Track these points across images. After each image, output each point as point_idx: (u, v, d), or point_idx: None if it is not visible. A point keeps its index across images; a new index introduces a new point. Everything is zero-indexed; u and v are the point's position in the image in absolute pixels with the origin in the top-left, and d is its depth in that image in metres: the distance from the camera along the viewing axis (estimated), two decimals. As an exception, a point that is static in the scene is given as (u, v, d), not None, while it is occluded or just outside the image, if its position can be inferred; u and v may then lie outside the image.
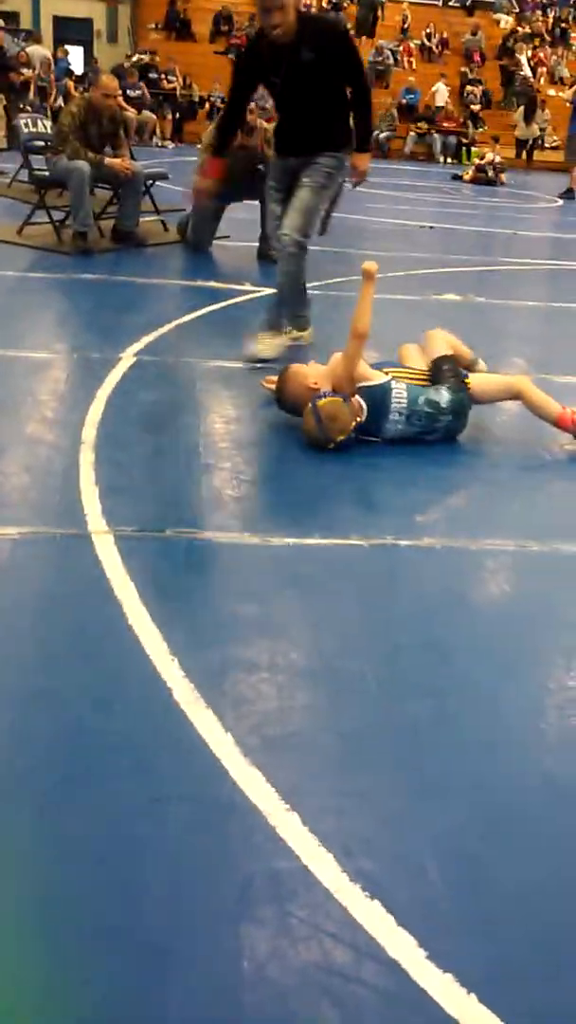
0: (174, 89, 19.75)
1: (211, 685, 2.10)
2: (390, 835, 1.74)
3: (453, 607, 2.59)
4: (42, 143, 7.96)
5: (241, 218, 7.45)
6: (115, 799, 1.77)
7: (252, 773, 1.84)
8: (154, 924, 1.52)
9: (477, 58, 23.14)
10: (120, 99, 8.18)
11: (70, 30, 24.20)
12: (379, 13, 23.39)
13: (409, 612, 2.53)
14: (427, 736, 2.02)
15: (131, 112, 15.76)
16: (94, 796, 1.77)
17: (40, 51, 16.45)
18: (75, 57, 20.92)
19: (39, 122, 8.40)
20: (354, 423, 3.45)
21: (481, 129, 20.89)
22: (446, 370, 3.67)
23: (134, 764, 1.86)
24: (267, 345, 4.48)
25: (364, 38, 22.50)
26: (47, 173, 7.19)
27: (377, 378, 3.55)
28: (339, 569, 2.72)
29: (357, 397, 3.50)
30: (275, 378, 3.76)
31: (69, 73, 19.13)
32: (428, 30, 23.52)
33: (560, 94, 21.91)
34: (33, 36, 18.98)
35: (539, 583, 2.76)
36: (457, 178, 17.55)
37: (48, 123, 8.40)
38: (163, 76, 19.84)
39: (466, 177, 17.36)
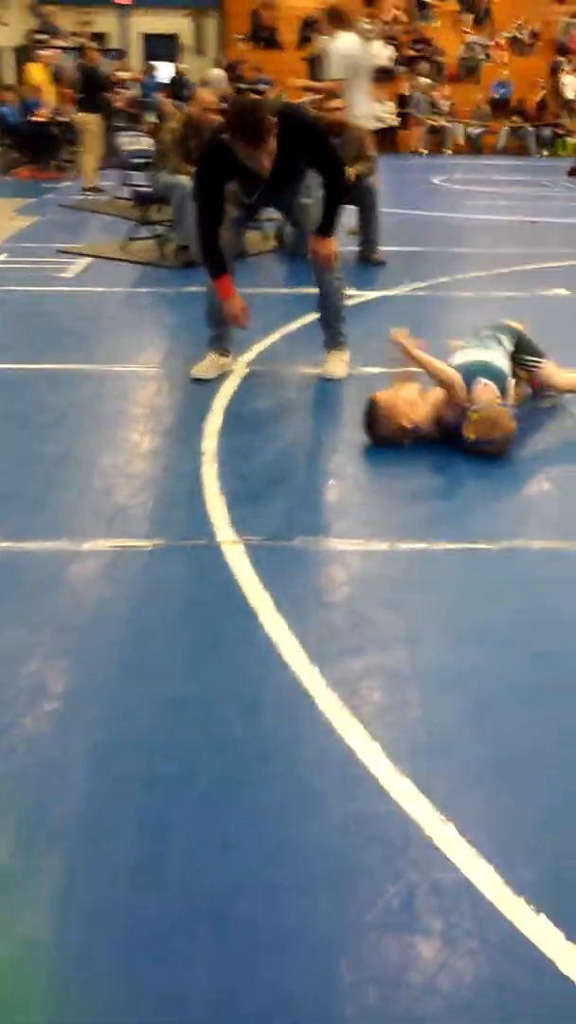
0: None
1: (354, 693, 2.10)
2: (549, 845, 1.71)
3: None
4: (142, 160, 8.12)
5: (341, 221, 7.44)
6: (270, 804, 1.78)
7: (404, 783, 1.83)
8: (319, 929, 1.53)
9: (573, 47, 22.64)
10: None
11: (158, 46, 24.65)
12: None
13: (546, 616, 2.48)
14: (577, 743, 1.98)
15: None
16: (250, 800, 1.79)
17: None
18: (165, 73, 21.25)
19: (139, 140, 8.57)
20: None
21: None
22: None
23: (286, 770, 1.87)
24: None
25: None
26: (149, 189, 7.32)
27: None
28: (470, 574, 2.68)
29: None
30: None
31: (161, 88, 19.44)
32: (519, 22, 23.13)
33: None
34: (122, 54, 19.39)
35: None
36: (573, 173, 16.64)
37: (147, 140, 8.55)
38: (250, 87, 19.95)
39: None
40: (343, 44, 7.01)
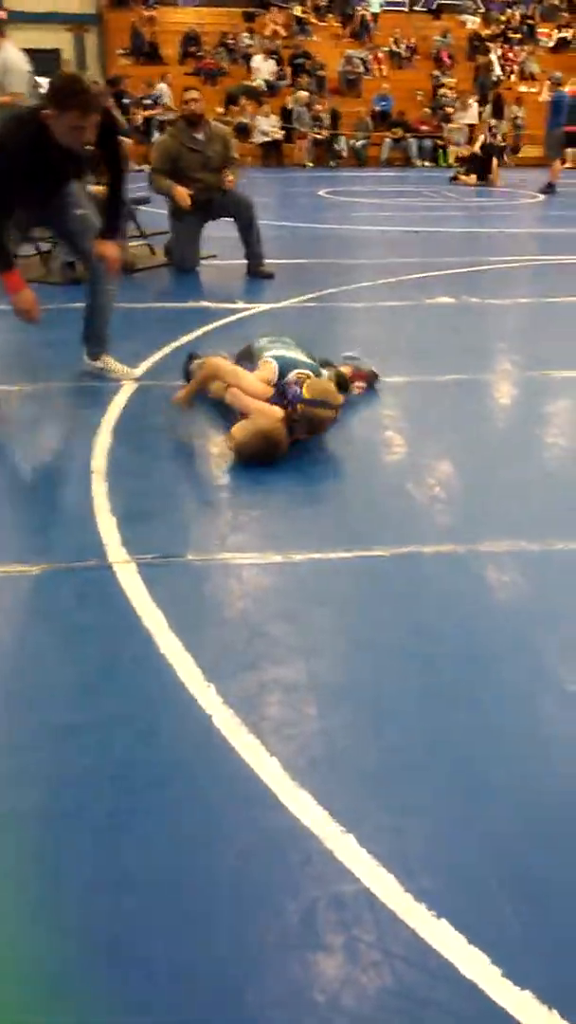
0: (155, 114, 19.70)
1: (251, 709, 2.08)
2: (448, 850, 1.71)
3: (484, 613, 2.56)
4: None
5: (228, 236, 7.45)
6: (169, 831, 1.74)
7: (302, 796, 1.82)
8: (220, 956, 1.49)
9: (447, 60, 23.24)
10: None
11: (39, 62, 24.29)
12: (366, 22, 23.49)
13: (439, 621, 2.50)
14: (472, 746, 1.99)
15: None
16: (148, 829, 1.74)
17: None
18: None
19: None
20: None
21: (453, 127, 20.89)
22: None
23: (183, 795, 1.83)
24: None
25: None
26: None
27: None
28: (365, 582, 2.69)
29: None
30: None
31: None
32: (395, 35, 23.61)
33: (532, 90, 22.08)
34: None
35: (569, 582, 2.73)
36: (454, 180, 17.14)
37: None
38: (136, 101, 19.83)
39: (468, 181, 16.76)
40: (18, 56, 6.82)
